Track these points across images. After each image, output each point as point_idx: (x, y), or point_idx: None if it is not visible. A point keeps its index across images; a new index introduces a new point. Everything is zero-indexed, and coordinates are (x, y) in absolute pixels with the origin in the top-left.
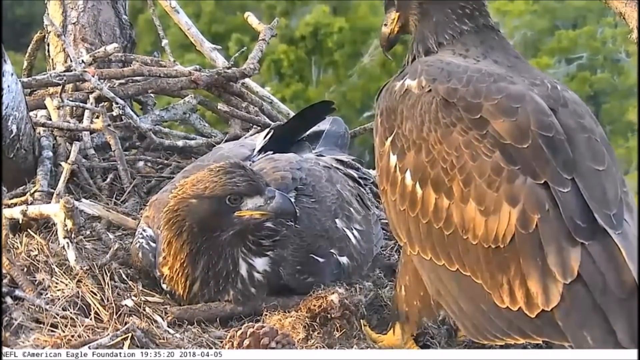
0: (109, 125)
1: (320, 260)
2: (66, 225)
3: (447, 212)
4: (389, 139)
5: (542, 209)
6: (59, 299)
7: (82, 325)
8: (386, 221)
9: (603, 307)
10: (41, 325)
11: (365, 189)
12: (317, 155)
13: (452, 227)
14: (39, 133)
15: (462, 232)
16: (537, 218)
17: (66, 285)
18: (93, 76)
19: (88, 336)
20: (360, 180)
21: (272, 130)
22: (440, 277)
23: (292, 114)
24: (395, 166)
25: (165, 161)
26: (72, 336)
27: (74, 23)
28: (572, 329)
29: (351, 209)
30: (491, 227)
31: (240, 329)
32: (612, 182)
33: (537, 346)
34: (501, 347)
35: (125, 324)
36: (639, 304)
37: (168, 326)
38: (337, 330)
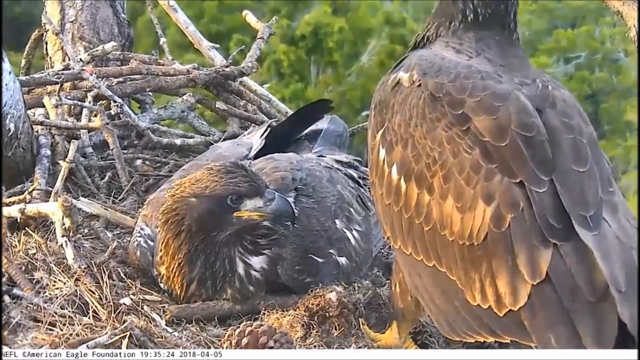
0: (107, 123)
1: (319, 260)
2: (64, 224)
3: (428, 207)
4: (380, 133)
5: (516, 208)
6: (57, 297)
7: (80, 324)
8: None
9: (570, 309)
10: (39, 324)
11: (364, 189)
12: (318, 156)
13: (432, 223)
14: (37, 131)
15: (440, 228)
16: (510, 217)
17: (64, 283)
18: (91, 74)
19: (86, 335)
20: (359, 180)
21: (269, 128)
22: (418, 272)
23: (290, 112)
24: (384, 160)
25: (164, 159)
26: (71, 335)
27: (72, 21)
28: (538, 330)
29: (351, 209)
30: (466, 224)
31: (239, 327)
32: (593, 183)
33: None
34: (500, 346)
35: (124, 322)
36: None
37: (166, 325)
38: (336, 329)
